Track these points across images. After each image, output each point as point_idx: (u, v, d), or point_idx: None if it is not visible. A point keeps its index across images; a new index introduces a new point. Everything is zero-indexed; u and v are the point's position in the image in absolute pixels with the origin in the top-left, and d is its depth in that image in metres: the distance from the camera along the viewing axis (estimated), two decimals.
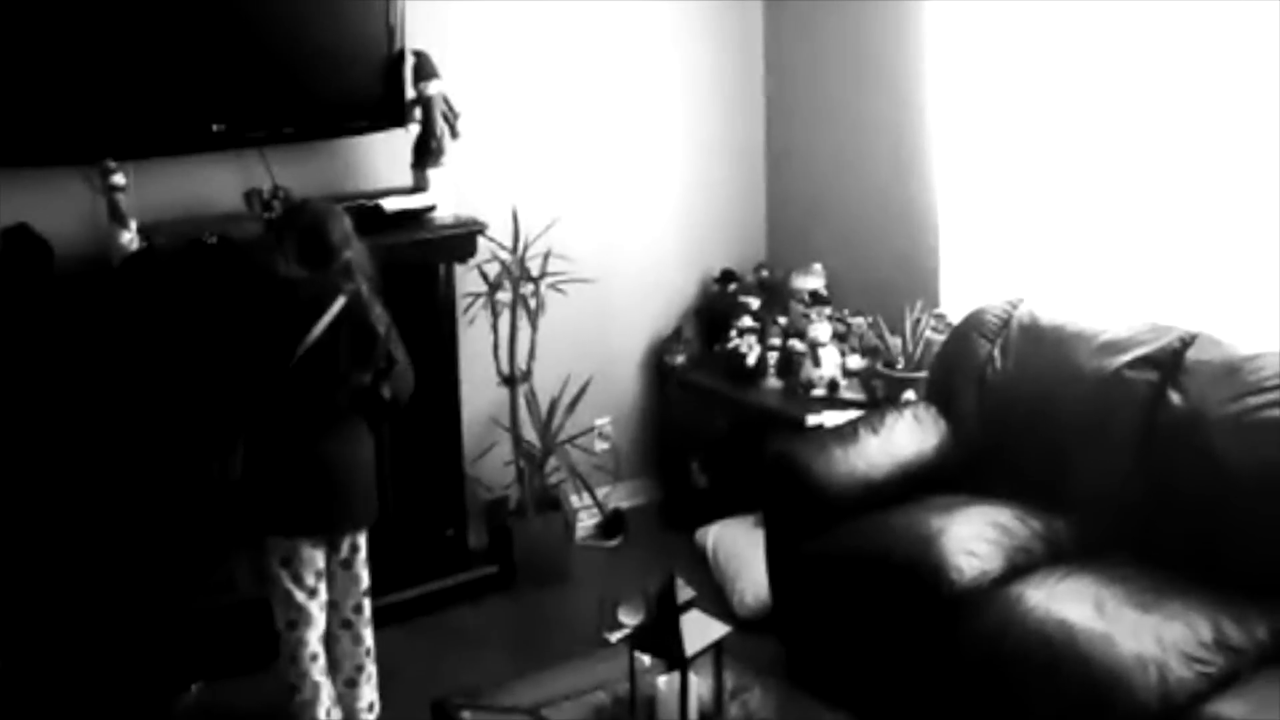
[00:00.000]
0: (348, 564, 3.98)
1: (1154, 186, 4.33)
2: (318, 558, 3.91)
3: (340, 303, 3.75)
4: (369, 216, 4.48)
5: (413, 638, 4.61)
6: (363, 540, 4.00)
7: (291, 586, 3.88)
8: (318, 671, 3.93)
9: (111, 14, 4.13)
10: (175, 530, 4.40)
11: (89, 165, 4.10)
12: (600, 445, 5.48)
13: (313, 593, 3.90)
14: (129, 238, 4.10)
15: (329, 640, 3.98)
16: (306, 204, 4.01)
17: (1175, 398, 3.83)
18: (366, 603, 4.04)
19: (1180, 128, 4.22)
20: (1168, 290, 4.31)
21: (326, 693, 3.95)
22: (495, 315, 4.93)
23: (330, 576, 3.97)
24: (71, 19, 4.06)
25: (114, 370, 4.22)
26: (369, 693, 4.06)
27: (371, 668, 4.06)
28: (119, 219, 4.08)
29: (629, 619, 4.56)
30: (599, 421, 5.46)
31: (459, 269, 4.81)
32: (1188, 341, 3.91)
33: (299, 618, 3.89)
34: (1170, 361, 3.89)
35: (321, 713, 3.92)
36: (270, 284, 3.82)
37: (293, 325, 3.73)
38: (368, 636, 4.04)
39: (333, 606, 3.98)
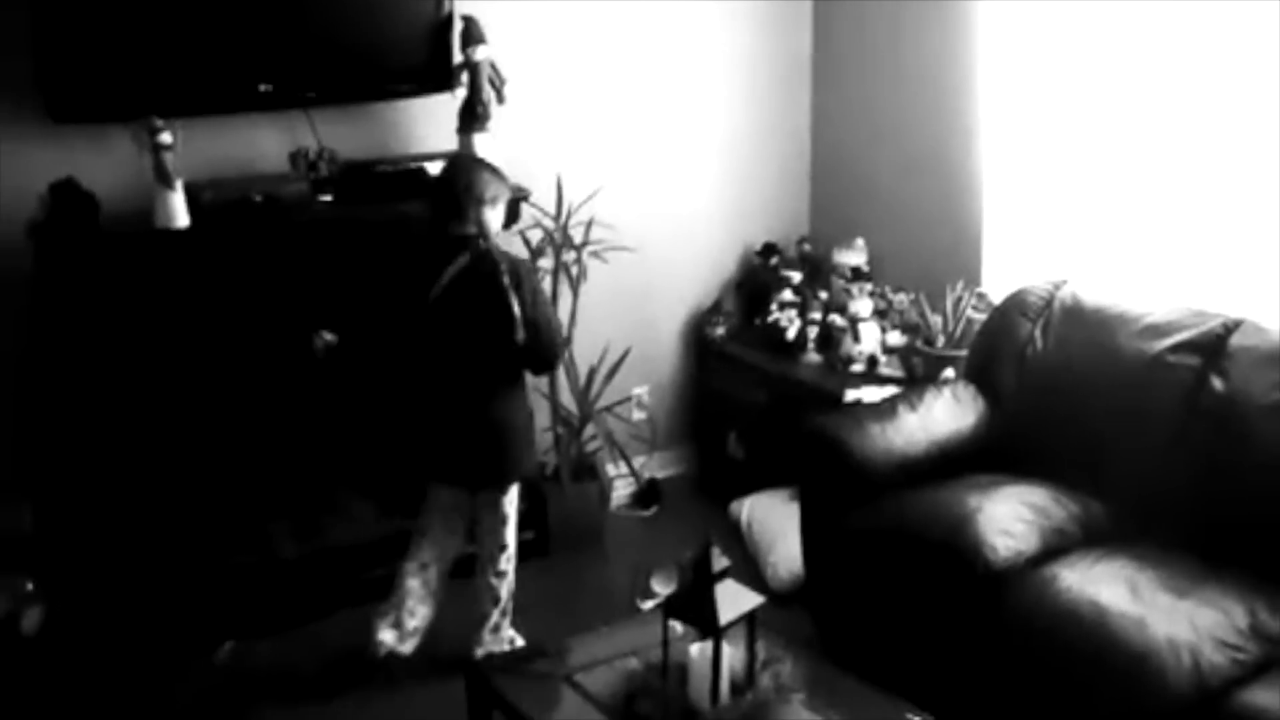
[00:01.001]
0: (479, 518, 4.18)
1: (1201, 170, 4.29)
2: (459, 501, 4.16)
3: (468, 256, 3.88)
4: (412, 180, 4.50)
5: (448, 601, 4.63)
6: (501, 497, 4.15)
7: (427, 520, 4.19)
8: (413, 584, 4.17)
9: None
10: (218, 489, 4.43)
11: (137, 123, 4.12)
12: (637, 414, 5.49)
13: (445, 529, 4.18)
14: (175, 196, 4.12)
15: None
16: (456, 159, 4.12)
17: (1217, 383, 3.81)
18: (501, 557, 4.19)
19: (1229, 111, 4.18)
20: (1212, 275, 4.27)
21: (410, 600, 4.18)
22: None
23: (476, 524, 4.20)
24: None
25: (159, 326, 4.26)
26: (487, 637, 4.21)
27: (496, 618, 4.21)
28: (164, 177, 4.10)
29: (662, 587, 4.57)
30: (637, 390, 5.47)
31: (502, 234, 4.82)
32: (1231, 327, 3.88)
33: (416, 544, 4.19)
34: (1213, 347, 3.87)
35: (402, 615, 4.18)
36: (415, 232, 4.12)
37: (426, 273, 3.89)
38: (496, 586, 4.20)
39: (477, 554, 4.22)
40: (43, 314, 4.16)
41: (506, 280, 3.85)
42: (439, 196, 3.99)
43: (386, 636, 4.17)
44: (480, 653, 4.16)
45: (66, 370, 4.19)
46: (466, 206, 3.91)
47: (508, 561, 4.22)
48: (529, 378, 4.14)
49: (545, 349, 3.99)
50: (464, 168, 4.03)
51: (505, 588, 4.23)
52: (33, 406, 4.31)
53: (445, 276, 3.87)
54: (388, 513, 4.75)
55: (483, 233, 3.92)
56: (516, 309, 3.85)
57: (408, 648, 4.21)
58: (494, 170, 4.04)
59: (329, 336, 4.09)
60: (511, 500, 4.18)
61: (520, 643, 4.26)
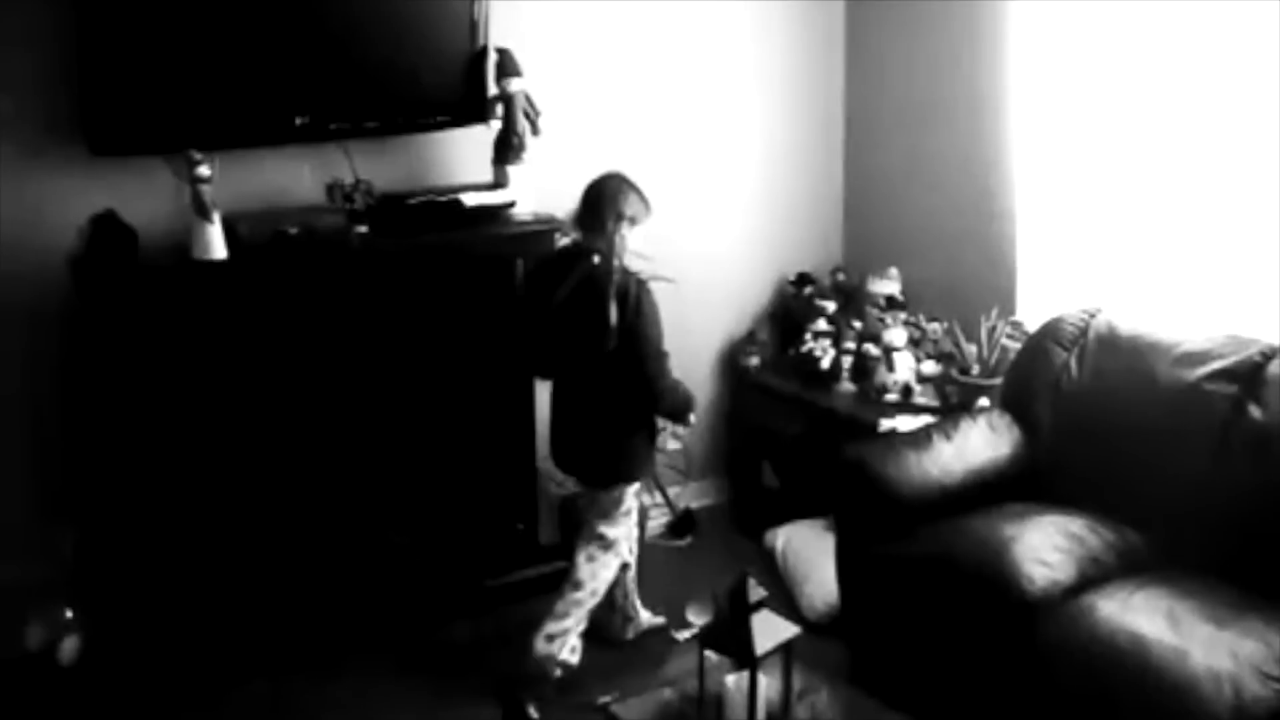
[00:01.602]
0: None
1: (1236, 197, 4.28)
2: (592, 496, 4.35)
3: (585, 267, 4.08)
4: (448, 211, 4.52)
5: (481, 630, 4.65)
6: (604, 495, 4.30)
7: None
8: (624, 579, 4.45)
9: (199, 7, 4.20)
10: (257, 520, 4.45)
11: (176, 155, 4.16)
12: (672, 444, 5.48)
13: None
14: (213, 229, 4.16)
15: None
16: (607, 176, 4.26)
17: (1255, 412, 3.79)
18: (604, 544, 4.30)
19: (1263, 138, 4.17)
20: (1249, 302, 4.26)
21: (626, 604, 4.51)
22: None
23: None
24: (161, 13, 4.13)
25: (198, 357, 4.29)
26: (539, 643, 4.15)
27: (569, 609, 4.22)
28: (203, 209, 4.13)
29: (697, 618, 4.56)
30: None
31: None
32: (1269, 355, 3.86)
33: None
34: (1250, 375, 3.85)
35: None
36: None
37: (552, 279, 4.15)
38: (586, 578, 4.27)
39: None
40: (84, 345, 4.19)
41: (612, 290, 4.02)
42: (585, 210, 4.18)
43: (540, 648, 4.17)
44: (541, 652, 4.14)
45: (107, 400, 4.22)
46: (608, 221, 4.10)
47: (605, 555, 4.31)
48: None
49: (646, 364, 4.13)
50: (611, 185, 4.20)
51: (594, 584, 4.28)
52: (74, 436, 4.34)
53: (568, 283, 4.09)
54: (424, 543, 4.76)
55: (614, 248, 4.09)
56: (613, 318, 4.00)
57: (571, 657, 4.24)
58: (640, 192, 4.21)
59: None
60: (618, 499, 4.30)
61: (567, 660, 4.21)
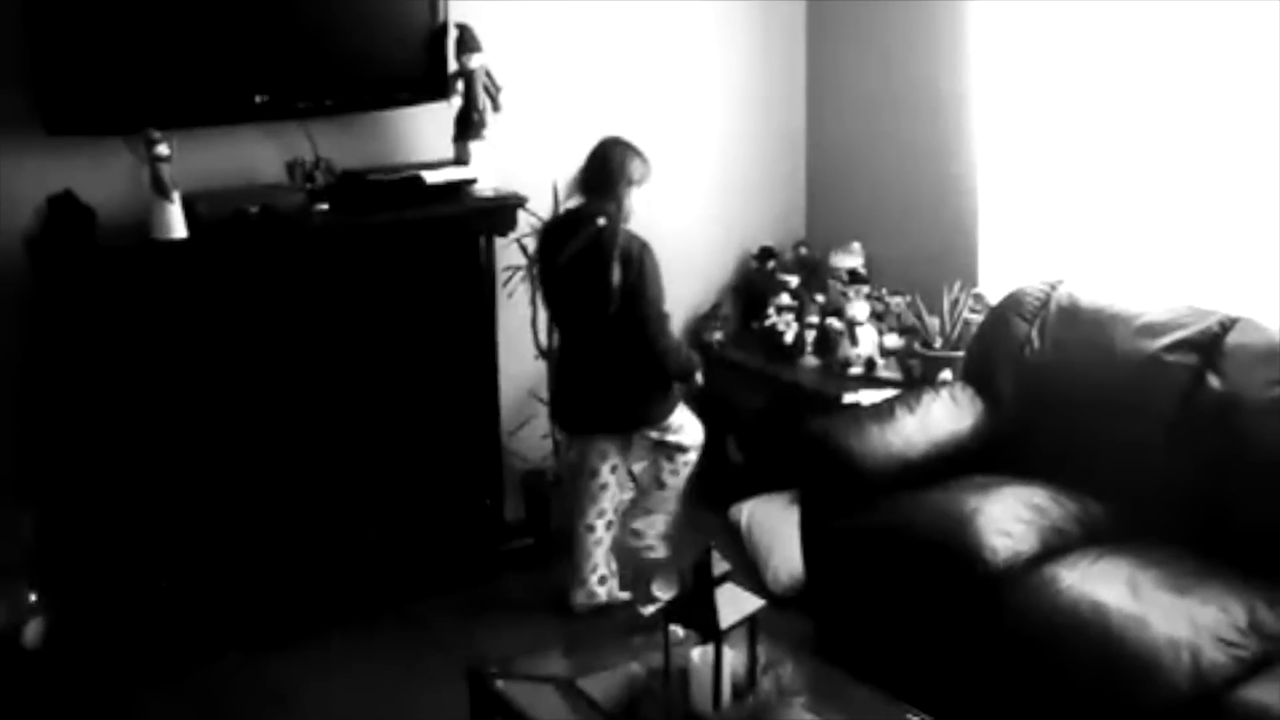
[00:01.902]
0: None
1: (1196, 168, 4.31)
2: (601, 450, 4.48)
3: (592, 229, 4.19)
4: (409, 188, 4.50)
5: (448, 607, 4.66)
6: (651, 433, 4.50)
7: (584, 480, 4.54)
8: (588, 541, 4.55)
9: None
10: (218, 499, 4.44)
11: (134, 134, 4.13)
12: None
13: (592, 475, 4.51)
14: (173, 208, 4.13)
15: None
16: (609, 141, 4.38)
17: (1214, 381, 3.82)
18: (674, 466, 4.57)
19: (1223, 109, 4.19)
20: (1208, 273, 4.29)
21: (591, 561, 4.57)
22: (534, 289, 4.94)
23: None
24: None
25: (158, 337, 4.27)
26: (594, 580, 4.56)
27: (611, 568, 4.59)
28: (162, 189, 4.10)
29: (662, 592, 4.57)
30: None
31: (499, 242, 4.83)
32: (1228, 325, 3.90)
33: (578, 497, 4.57)
34: (1210, 345, 3.88)
35: (584, 573, 4.59)
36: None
37: (558, 241, 4.28)
38: (664, 501, 4.63)
39: None
40: (42, 326, 4.17)
41: (616, 254, 4.13)
42: (591, 174, 4.30)
43: (578, 598, 4.55)
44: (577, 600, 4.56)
45: (67, 381, 4.19)
46: (617, 185, 4.23)
47: (680, 472, 4.58)
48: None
49: (647, 325, 4.25)
50: (618, 150, 4.32)
51: (674, 496, 4.62)
52: (34, 417, 4.31)
53: (573, 246, 4.22)
54: (389, 520, 4.76)
55: (622, 211, 4.23)
56: (616, 279, 4.13)
57: (605, 594, 4.59)
58: (642, 155, 4.33)
59: None
60: (668, 427, 4.48)
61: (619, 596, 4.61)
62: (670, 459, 4.60)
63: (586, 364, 4.42)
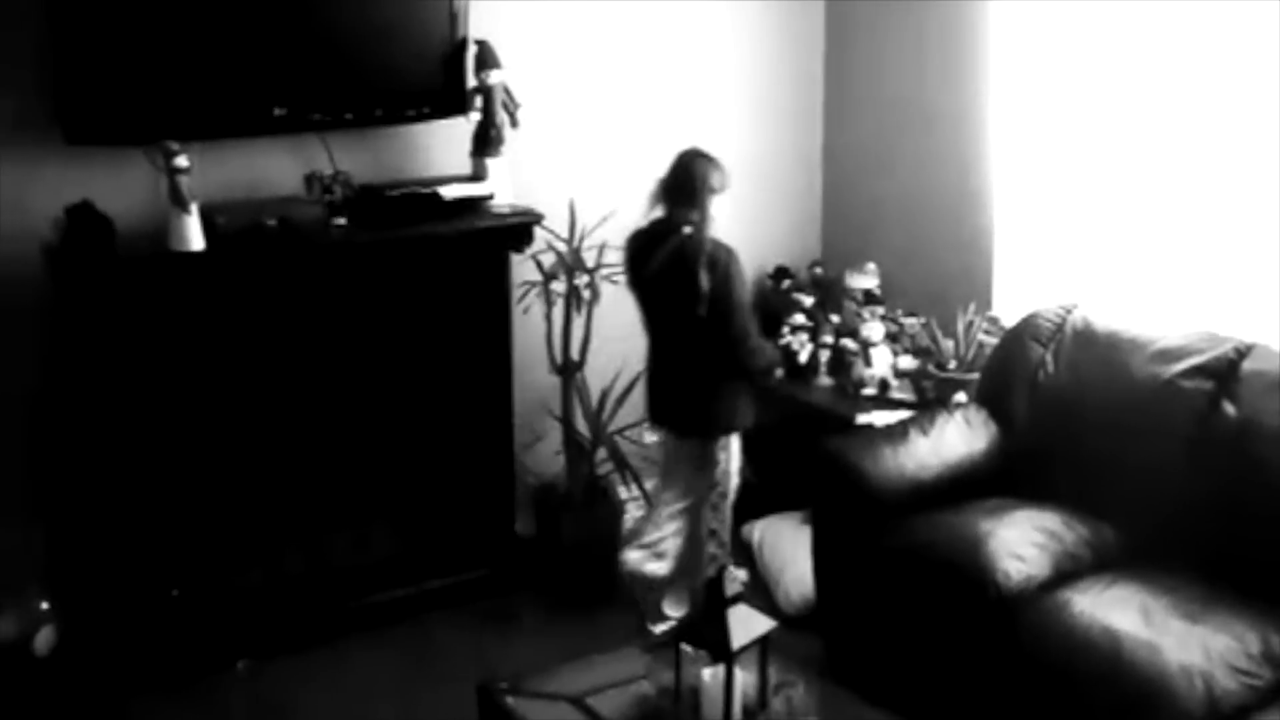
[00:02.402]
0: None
1: (1213, 194, 4.30)
2: (674, 446, 4.58)
3: (679, 238, 4.27)
4: (427, 203, 4.52)
5: (460, 623, 4.65)
6: (712, 441, 4.46)
7: (666, 466, 4.66)
8: (661, 514, 4.61)
9: None
10: (232, 510, 4.45)
11: (153, 146, 4.15)
12: (649, 438, 5.47)
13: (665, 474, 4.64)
14: (190, 219, 4.14)
15: None
16: (689, 152, 4.43)
17: (1229, 408, 3.81)
18: (721, 491, 4.51)
19: (1240, 137, 4.19)
20: (1224, 299, 4.28)
21: (657, 526, 4.61)
22: (549, 305, 4.95)
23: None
24: (140, 2, 4.11)
25: (174, 348, 4.28)
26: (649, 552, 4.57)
27: (715, 550, 4.52)
28: (180, 200, 4.12)
29: (674, 611, 4.57)
30: None
31: (515, 258, 4.83)
32: (1243, 352, 3.89)
33: (656, 489, 4.73)
34: (1225, 371, 3.87)
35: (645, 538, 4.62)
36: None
37: (647, 251, 4.36)
38: (716, 525, 4.53)
39: None
40: (59, 336, 4.18)
41: (703, 259, 4.20)
42: (674, 185, 4.36)
43: (631, 554, 4.57)
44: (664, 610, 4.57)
45: (82, 392, 4.20)
46: (700, 194, 4.29)
47: (725, 501, 4.53)
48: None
49: (733, 327, 4.28)
50: (698, 161, 4.39)
51: (721, 523, 4.54)
52: (48, 428, 4.32)
53: (660, 254, 4.29)
54: (401, 534, 4.76)
55: (705, 219, 4.29)
56: (704, 285, 4.19)
57: (658, 567, 4.54)
58: (719, 165, 4.40)
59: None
60: (723, 445, 4.47)
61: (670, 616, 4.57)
62: (714, 504, 4.56)
63: (675, 368, 4.50)
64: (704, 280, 4.20)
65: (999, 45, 4.91)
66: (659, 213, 4.40)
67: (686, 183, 4.35)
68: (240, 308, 4.34)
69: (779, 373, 4.84)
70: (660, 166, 5.36)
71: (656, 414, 4.64)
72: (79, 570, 4.30)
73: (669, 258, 4.28)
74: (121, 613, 4.29)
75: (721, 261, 4.25)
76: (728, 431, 4.48)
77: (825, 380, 5.18)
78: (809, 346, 5.22)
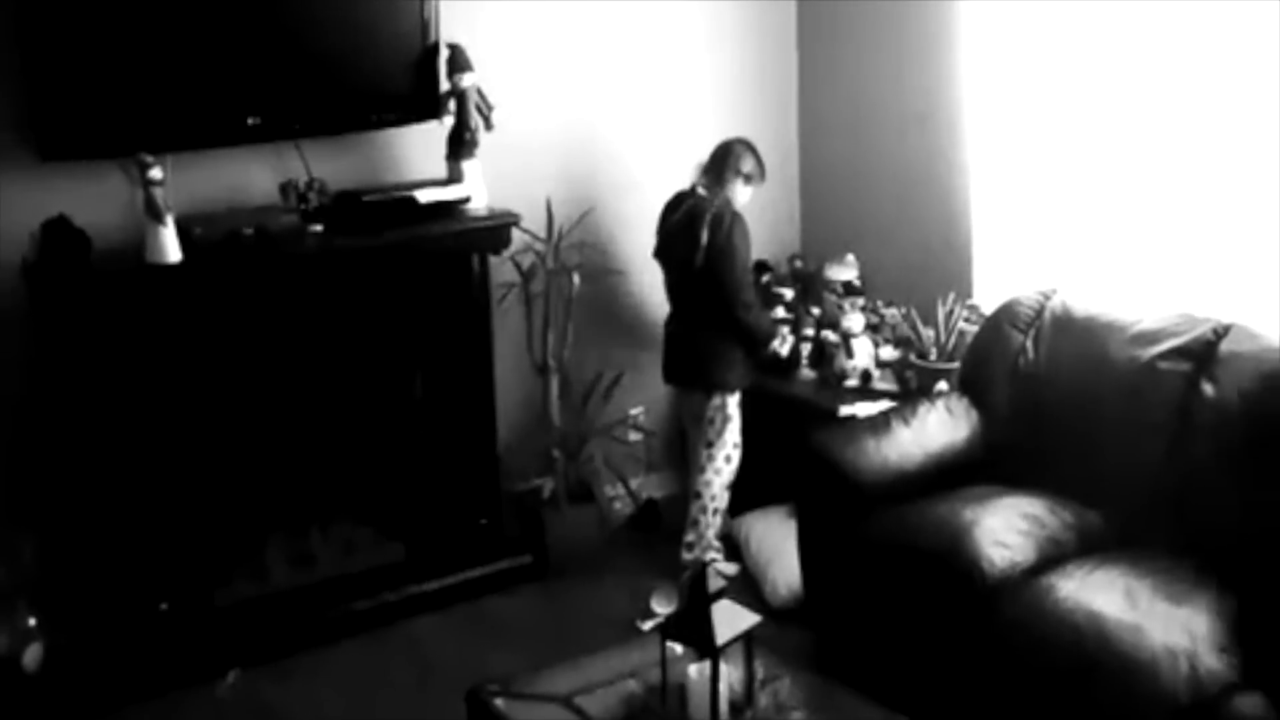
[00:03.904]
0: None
1: (1188, 177, 4.31)
2: (693, 402, 4.91)
3: (691, 200, 4.72)
4: (403, 208, 4.52)
5: (446, 625, 4.65)
6: (709, 399, 4.80)
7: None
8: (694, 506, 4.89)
9: (149, 9, 4.18)
10: (216, 521, 4.45)
11: (127, 158, 4.14)
12: (633, 435, 5.50)
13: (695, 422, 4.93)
14: (166, 231, 4.14)
15: None
16: (734, 139, 4.87)
17: (1209, 389, 3.82)
18: (710, 453, 4.82)
19: (1216, 118, 4.20)
20: (1202, 281, 4.29)
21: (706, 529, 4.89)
22: (529, 305, 4.95)
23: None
24: (110, 14, 4.10)
25: (154, 361, 4.27)
26: (690, 534, 4.86)
27: (697, 515, 4.86)
28: (156, 213, 4.11)
29: (661, 608, 4.58)
30: (632, 411, 5.48)
31: (493, 260, 4.84)
32: (1221, 333, 3.89)
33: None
34: (1204, 353, 3.88)
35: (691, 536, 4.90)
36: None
37: (670, 211, 4.84)
38: (701, 487, 4.84)
39: None
40: (39, 351, 4.17)
41: (708, 218, 4.61)
42: (711, 161, 4.81)
43: (684, 556, 4.83)
44: (687, 559, 4.81)
45: (65, 406, 4.20)
46: (725, 173, 4.74)
47: (713, 463, 4.82)
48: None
49: (726, 283, 4.63)
50: (738, 145, 4.83)
51: (709, 490, 4.84)
52: (32, 442, 4.32)
53: (678, 213, 4.75)
54: (387, 539, 4.77)
55: (723, 189, 4.72)
56: (704, 238, 4.59)
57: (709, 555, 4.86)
58: (759, 158, 4.85)
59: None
60: (718, 406, 4.79)
61: (728, 570, 4.78)
62: (703, 465, 4.84)
63: (681, 323, 4.85)
64: (704, 234, 4.59)
65: (972, 37, 4.91)
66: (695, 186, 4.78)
67: (721, 159, 4.77)
68: (219, 318, 4.34)
69: (778, 345, 5.03)
70: (640, 166, 5.43)
71: (668, 371, 4.97)
72: (67, 586, 4.29)
73: (683, 216, 4.70)
74: (110, 627, 4.29)
75: (725, 221, 4.61)
76: (723, 388, 4.77)
77: (807, 373, 5.19)
78: (790, 339, 5.23)
